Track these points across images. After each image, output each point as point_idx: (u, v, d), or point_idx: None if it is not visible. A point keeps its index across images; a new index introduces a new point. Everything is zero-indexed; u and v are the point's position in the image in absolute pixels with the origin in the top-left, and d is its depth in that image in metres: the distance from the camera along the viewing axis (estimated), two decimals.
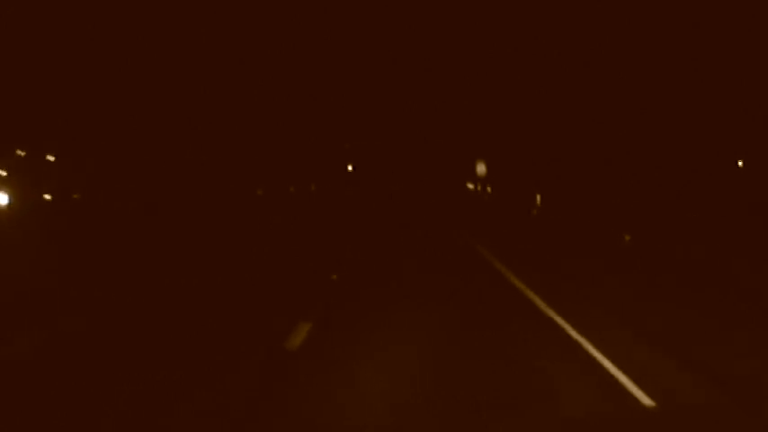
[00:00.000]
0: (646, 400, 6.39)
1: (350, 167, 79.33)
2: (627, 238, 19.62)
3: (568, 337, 8.97)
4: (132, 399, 6.68)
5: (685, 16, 28.29)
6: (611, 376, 7.16)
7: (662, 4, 29.07)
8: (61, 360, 8.20)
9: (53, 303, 11.84)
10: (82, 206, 33.76)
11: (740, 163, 30.10)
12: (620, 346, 8.24)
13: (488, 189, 49.28)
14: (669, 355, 8.11)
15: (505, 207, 37.63)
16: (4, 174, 37.46)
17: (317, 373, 7.47)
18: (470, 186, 55.45)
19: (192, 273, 15.28)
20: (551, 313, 10.43)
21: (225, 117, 45.01)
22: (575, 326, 9.38)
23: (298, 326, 9.63)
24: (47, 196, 38.69)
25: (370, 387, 6.97)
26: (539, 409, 6.28)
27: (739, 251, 17.02)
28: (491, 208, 39.62)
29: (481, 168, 51.37)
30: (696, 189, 28.14)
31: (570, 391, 6.76)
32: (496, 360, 7.92)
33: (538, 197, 33.22)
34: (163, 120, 37.30)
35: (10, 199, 35.37)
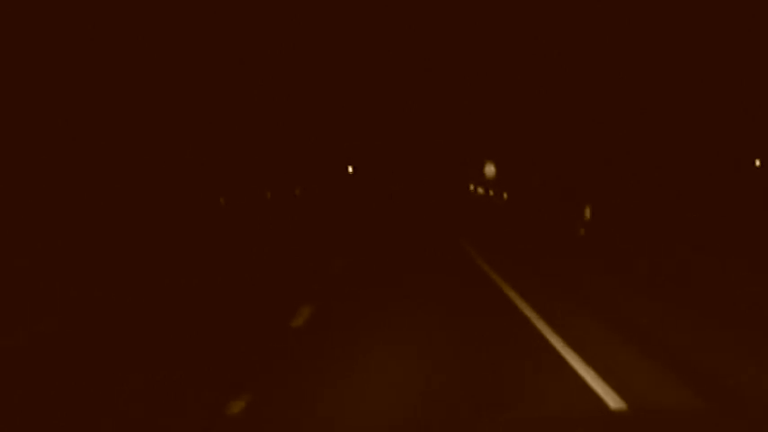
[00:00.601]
0: None
1: (350, 169, 78.13)
2: None
3: None
4: (132, 398, 6.70)
5: (705, 10, 28.02)
6: None
7: None
8: (58, 359, 8.23)
9: (51, 302, 11.87)
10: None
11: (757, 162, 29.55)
12: None
13: (504, 195, 44.72)
14: None
15: (532, 219, 29.89)
16: None
17: (316, 372, 7.48)
18: (480, 190, 54.23)
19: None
20: None
21: (215, 114, 43.68)
22: None
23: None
24: None
25: (370, 387, 6.98)
26: (538, 410, 6.28)
27: None
28: (512, 219, 31.71)
29: (490, 170, 50.85)
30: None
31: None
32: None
33: (587, 210, 24.41)
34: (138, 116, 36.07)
35: None
